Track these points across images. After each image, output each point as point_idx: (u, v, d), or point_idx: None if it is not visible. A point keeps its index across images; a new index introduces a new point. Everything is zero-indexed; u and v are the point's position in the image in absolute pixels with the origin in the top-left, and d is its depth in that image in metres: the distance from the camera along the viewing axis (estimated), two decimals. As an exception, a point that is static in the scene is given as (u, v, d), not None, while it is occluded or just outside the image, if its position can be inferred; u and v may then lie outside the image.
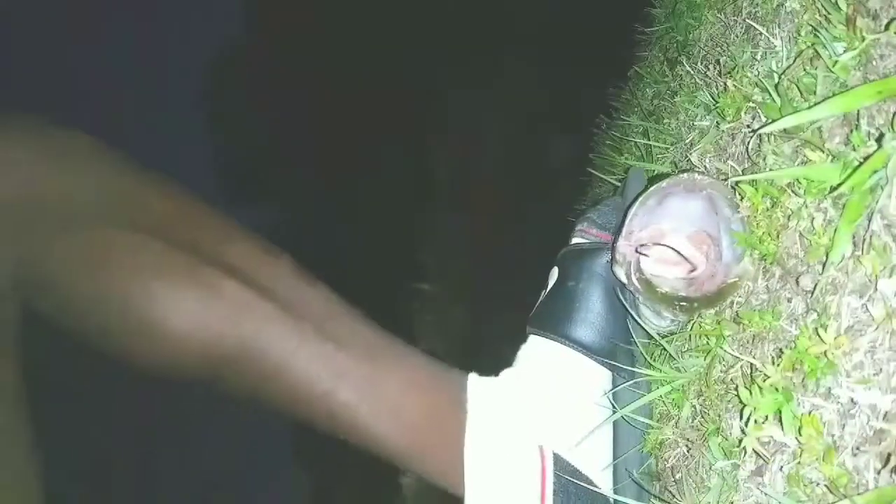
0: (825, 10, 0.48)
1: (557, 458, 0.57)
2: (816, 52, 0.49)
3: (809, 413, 0.41)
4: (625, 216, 0.52)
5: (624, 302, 0.57)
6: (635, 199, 0.51)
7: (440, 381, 0.59)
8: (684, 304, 0.50)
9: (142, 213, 0.53)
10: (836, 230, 0.42)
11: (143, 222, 0.53)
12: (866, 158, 0.40)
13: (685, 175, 0.50)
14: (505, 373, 0.61)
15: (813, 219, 0.45)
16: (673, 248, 0.52)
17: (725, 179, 0.58)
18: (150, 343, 0.52)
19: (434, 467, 0.58)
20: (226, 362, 0.53)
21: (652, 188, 0.50)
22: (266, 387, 0.54)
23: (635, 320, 0.57)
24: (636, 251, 0.51)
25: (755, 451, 0.46)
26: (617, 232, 0.52)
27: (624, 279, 0.52)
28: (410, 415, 0.56)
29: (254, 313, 0.53)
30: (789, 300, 0.48)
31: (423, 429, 0.56)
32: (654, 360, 0.60)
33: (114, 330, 0.52)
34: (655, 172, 0.76)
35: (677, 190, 0.50)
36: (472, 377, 0.60)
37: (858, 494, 0.37)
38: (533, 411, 0.59)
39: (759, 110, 0.55)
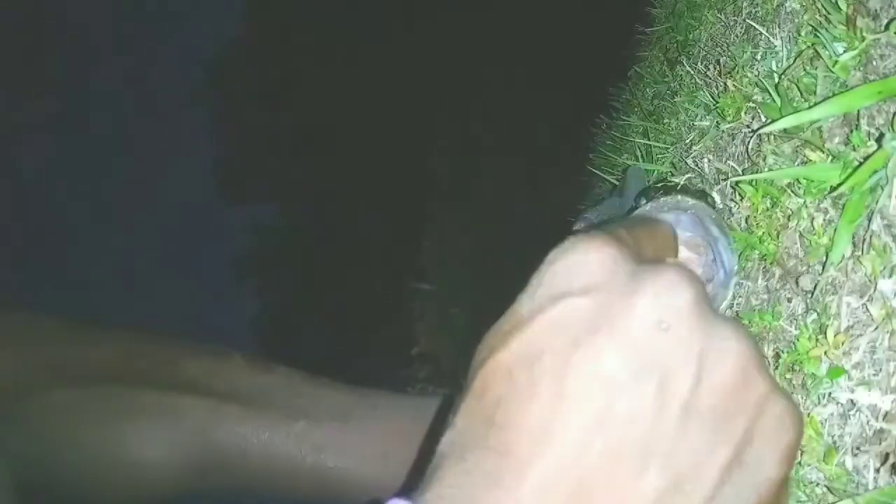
0: (825, 10, 0.48)
1: None
2: (816, 52, 0.49)
3: (809, 414, 0.41)
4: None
5: None
6: (630, 213, 0.52)
7: (419, 412, 0.60)
8: None
9: (88, 366, 0.56)
10: (835, 230, 0.42)
11: (92, 374, 0.55)
12: (866, 158, 0.40)
13: (668, 198, 0.51)
14: None
15: (813, 219, 0.45)
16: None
17: (725, 179, 0.58)
18: (136, 482, 0.54)
19: None
20: (210, 473, 0.55)
21: (636, 213, 0.51)
22: (256, 480, 0.57)
23: None
24: None
25: (755, 452, 0.46)
26: None
27: None
28: (398, 455, 0.57)
29: (220, 420, 0.55)
30: (789, 300, 0.48)
31: (413, 463, 0.57)
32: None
33: (94, 482, 0.55)
34: (655, 172, 0.76)
35: (662, 213, 0.51)
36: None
37: (858, 495, 0.37)
38: None
39: (759, 110, 0.55)
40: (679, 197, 0.51)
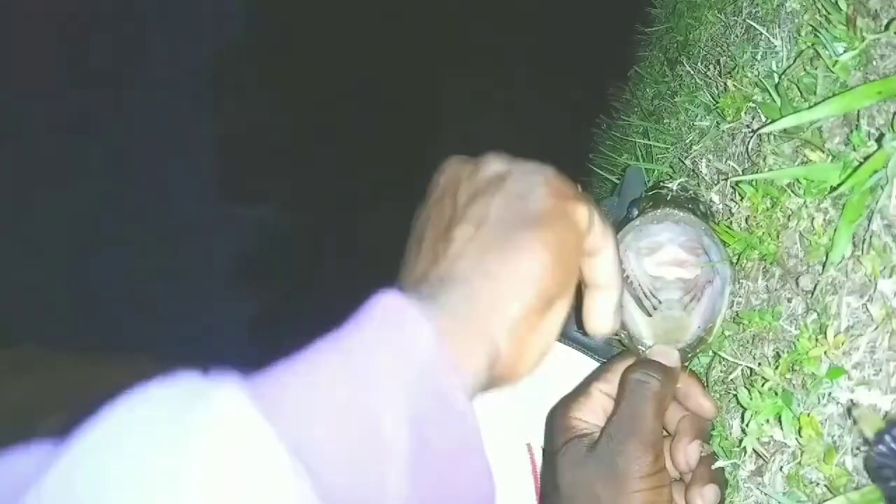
0: (825, 10, 0.48)
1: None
2: (816, 52, 0.49)
3: (808, 414, 0.41)
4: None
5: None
6: (623, 224, 0.52)
7: None
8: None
9: (97, 388, 0.60)
10: (835, 230, 0.42)
11: (100, 395, 0.60)
12: (866, 158, 0.40)
13: (658, 212, 0.51)
14: None
15: (813, 219, 0.45)
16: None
17: (725, 179, 0.58)
18: None
19: None
20: None
21: (627, 226, 0.51)
22: None
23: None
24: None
25: (755, 451, 0.46)
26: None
27: None
28: None
29: None
30: (789, 300, 0.48)
31: None
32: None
33: None
34: (655, 172, 0.76)
35: (653, 225, 0.52)
36: None
37: (855, 489, 0.37)
38: (523, 412, 0.59)
39: (759, 110, 0.55)
40: (668, 210, 0.51)
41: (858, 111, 0.43)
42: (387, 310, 0.32)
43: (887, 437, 0.37)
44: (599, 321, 0.42)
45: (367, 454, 0.29)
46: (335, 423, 0.29)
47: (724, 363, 0.53)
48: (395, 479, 0.29)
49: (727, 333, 0.52)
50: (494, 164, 0.41)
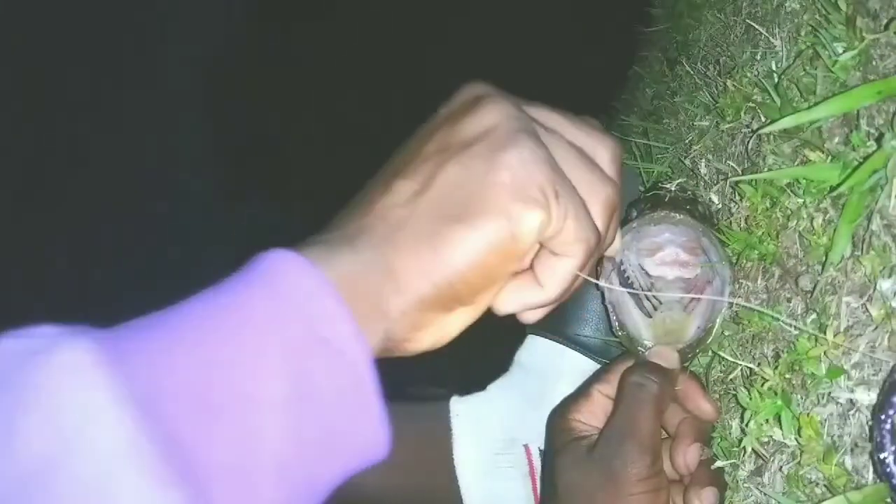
0: (825, 10, 0.48)
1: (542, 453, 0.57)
2: (816, 52, 0.49)
3: (808, 414, 0.41)
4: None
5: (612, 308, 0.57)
6: (622, 225, 0.52)
7: (421, 419, 0.60)
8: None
9: None
10: (835, 230, 0.42)
11: None
12: (866, 158, 0.40)
13: (656, 214, 0.51)
14: (492, 384, 0.61)
15: (812, 219, 0.45)
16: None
17: (725, 179, 0.58)
18: None
19: (433, 495, 0.59)
20: None
21: (625, 227, 0.51)
22: None
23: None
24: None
25: (754, 452, 0.46)
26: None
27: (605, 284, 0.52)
28: (398, 460, 0.58)
29: None
30: (789, 300, 0.48)
31: (413, 467, 0.58)
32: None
33: None
34: (654, 172, 0.76)
35: (651, 227, 0.52)
36: (454, 399, 0.61)
37: (855, 489, 0.37)
38: (521, 413, 0.59)
39: (758, 110, 0.55)
40: (666, 212, 0.51)
41: (858, 111, 0.43)
42: (274, 262, 0.31)
43: None
44: (505, 304, 0.36)
45: (236, 406, 0.27)
46: (195, 376, 0.27)
47: (723, 363, 0.53)
48: (273, 433, 0.28)
49: (727, 333, 0.52)
50: (489, 116, 0.35)
